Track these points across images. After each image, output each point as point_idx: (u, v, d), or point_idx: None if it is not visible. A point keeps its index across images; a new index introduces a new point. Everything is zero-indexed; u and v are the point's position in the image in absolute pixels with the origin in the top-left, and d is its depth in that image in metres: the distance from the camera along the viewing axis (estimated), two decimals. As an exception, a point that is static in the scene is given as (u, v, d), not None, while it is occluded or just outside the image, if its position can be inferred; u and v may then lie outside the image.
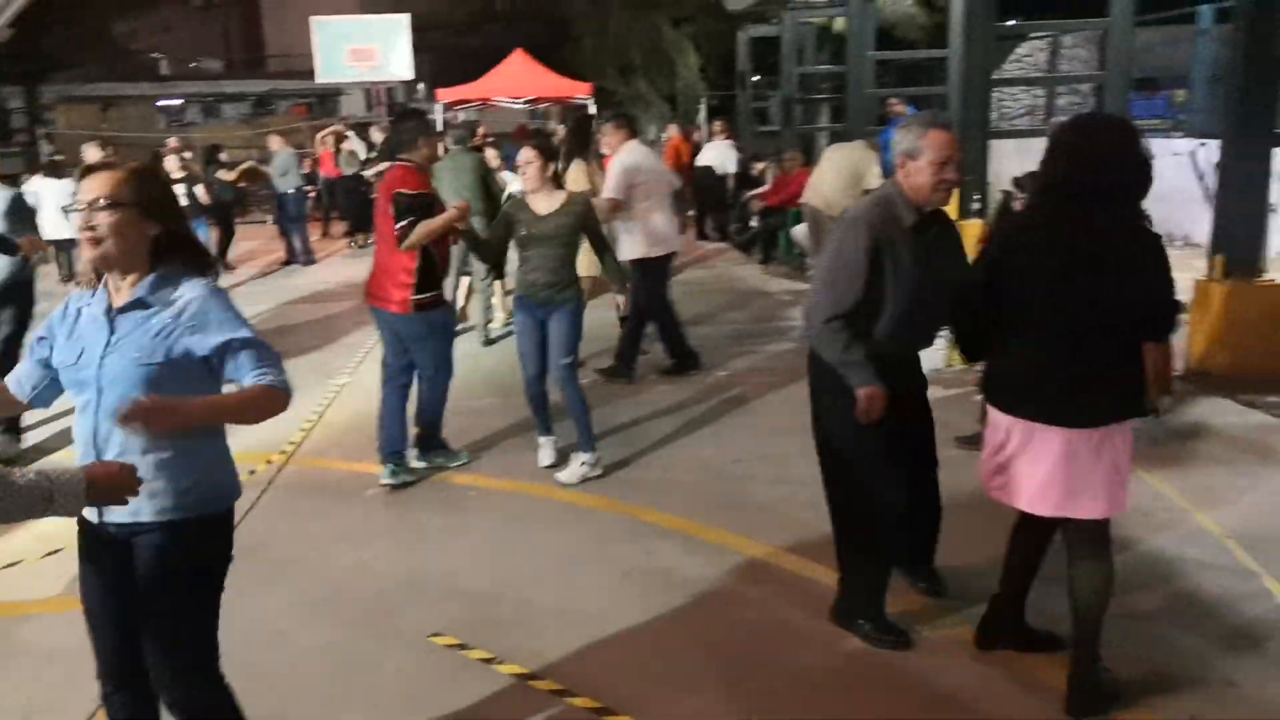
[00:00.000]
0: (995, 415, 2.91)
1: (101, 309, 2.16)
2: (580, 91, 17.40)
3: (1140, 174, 2.66)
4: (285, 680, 3.19)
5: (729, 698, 3.04)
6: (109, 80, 25.21)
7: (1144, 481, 4.57)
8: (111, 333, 2.14)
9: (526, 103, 18.23)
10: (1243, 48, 6.07)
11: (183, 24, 30.09)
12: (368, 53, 18.55)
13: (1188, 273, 7.73)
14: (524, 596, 3.73)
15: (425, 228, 4.53)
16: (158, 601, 2.19)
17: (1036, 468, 2.79)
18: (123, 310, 2.15)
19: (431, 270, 4.73)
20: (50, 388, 2.26)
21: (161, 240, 2.15)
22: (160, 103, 27.67)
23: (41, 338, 2.26)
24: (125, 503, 1.95)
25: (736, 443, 5.36)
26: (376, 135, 14.51)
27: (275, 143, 13.23)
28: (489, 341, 7.75)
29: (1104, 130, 2.81)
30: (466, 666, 3.25)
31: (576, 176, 6.83)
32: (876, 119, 12.05)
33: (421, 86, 25.68)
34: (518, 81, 16.80)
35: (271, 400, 2.18)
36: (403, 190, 4.58)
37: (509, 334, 7.70)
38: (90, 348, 2.14)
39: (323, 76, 19.10)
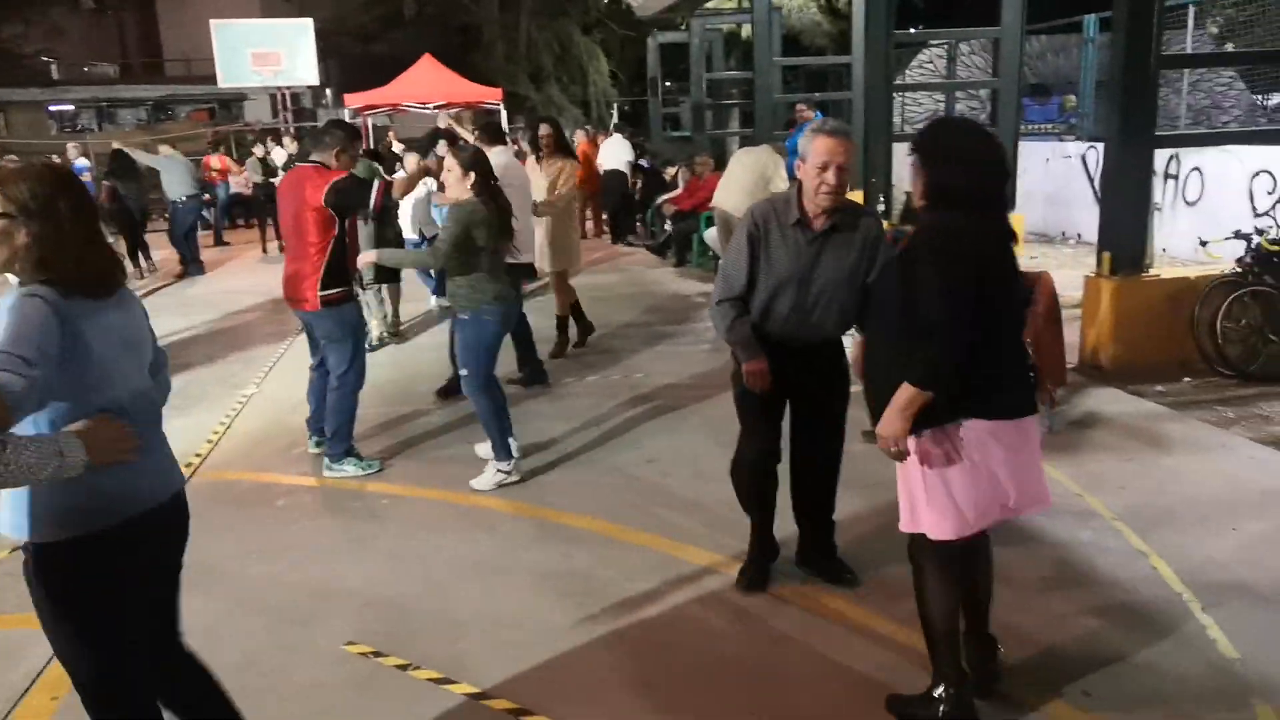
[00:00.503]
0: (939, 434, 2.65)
1: None
2: (490, 97, 17.33)
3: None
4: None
5: (646, 695, 3.08)
6: (-3, 85, 24.13)
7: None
8: None
9: (436, 108, 18.07)
10: (1122, 56, 6.38)
11: (75, 27, 28.95)
12: (272, 57, 18.15)
13: (1079, 269, 8.13)
14: (440, 603, 3.71)
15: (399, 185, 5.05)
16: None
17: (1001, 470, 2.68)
18: None
19: (341, 266, 4.78)
20: None
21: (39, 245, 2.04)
22: (52, 108, 26.54)
23: None
24: (126, 461, 2.01)
25: (653, 444, 5.41)
26: (289, 143, 14.30)
27: (165, 151, 12.83)
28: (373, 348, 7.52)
29: (988, 136, 2.85)
30: (380, 673, 3.22)
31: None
32: (784, 124, 12.30)
33: (329, 92, 25.25)
34: (427, 87, 16.65)
35: None
36: (336, 180, 4.64)
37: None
38: None
39: (225, 81, 18.61)
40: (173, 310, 9.81)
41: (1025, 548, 3.93)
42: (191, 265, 12.14)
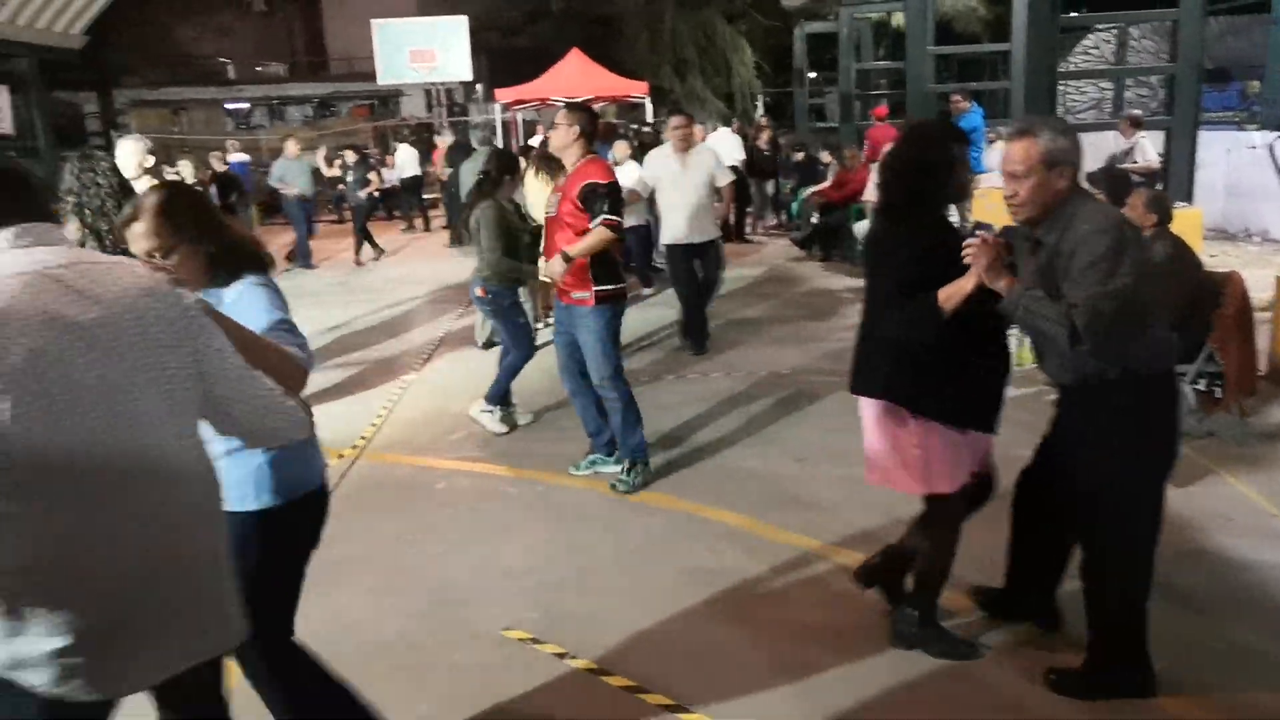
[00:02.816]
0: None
1: None
2: (636, 90, 17.45)
3: None
4: (358, 672, 3.24)
5: (803, 699, 3.04)
6: (177, 85, 25.88)
7: (1226, 483, 4.46)
8: None
9: (583, 102, 18.32)
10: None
11: (247, 29, 30.78)
12: (427, 54, 18.81)
13: (1268, 269, 7.55)
14: (593, 593, 3.76)
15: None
16: None
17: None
18: None
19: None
20: None
21: (216, 253, 2.27)
22: (228, 106, 28.31)
23: None
24: None
25: (799, 440, 5.34)
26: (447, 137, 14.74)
27: (291, 151, 13.04)
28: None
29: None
30: (538, 660, 3.29)
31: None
32: (936, 114, 11.90)
33: (479, 87, 25.96)
34: (574, 81, 16.89)
35: (295, 365, 2.15)
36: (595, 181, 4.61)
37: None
38: None
39: (384, 78, 19.41)
40: (337, 298, 10.31)
41: (1212, 571, 3.69)
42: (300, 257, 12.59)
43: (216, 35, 27.85)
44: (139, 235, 2.24)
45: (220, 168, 11.70)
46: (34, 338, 1.57)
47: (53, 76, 18.31)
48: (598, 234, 4.56)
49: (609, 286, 4.65)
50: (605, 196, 4.55)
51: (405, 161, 16.28)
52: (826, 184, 11.53)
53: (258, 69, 30.34)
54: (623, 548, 4.15)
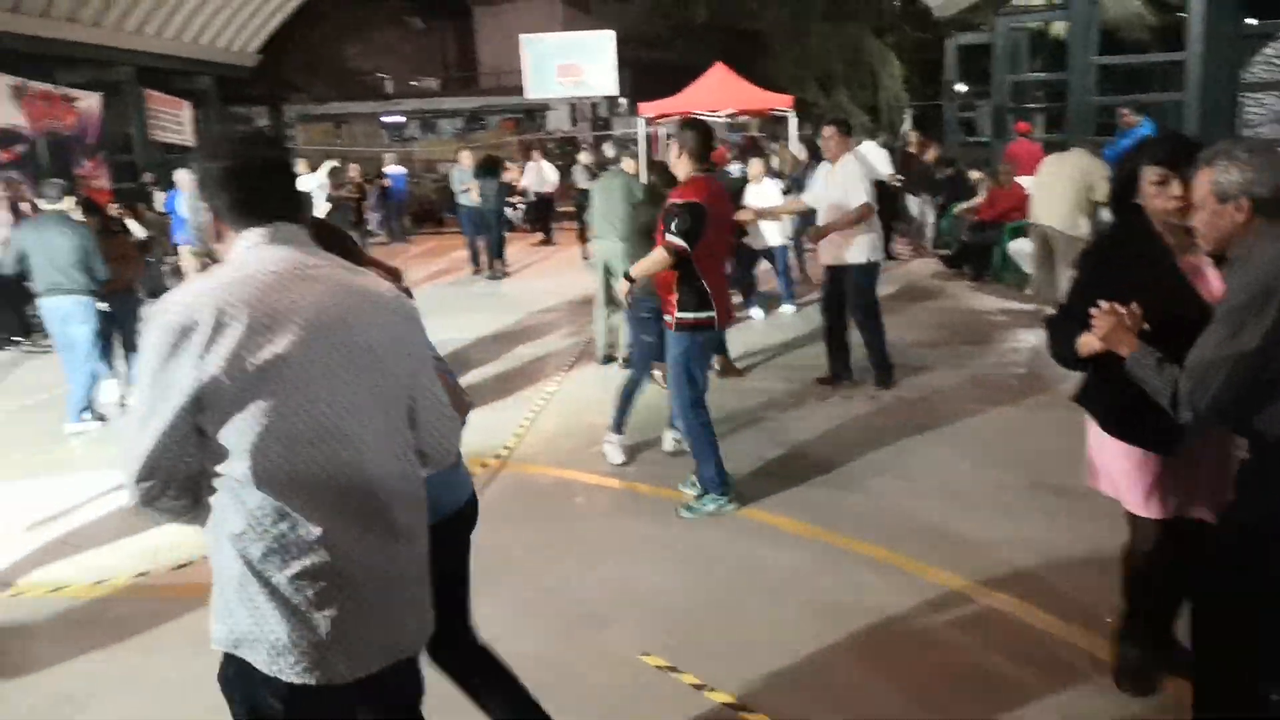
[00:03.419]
0: None
1: None
2: (780, 103, 17.28)
3: None
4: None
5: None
6: (340, 100, 27.24)
7: None
8: None
9: (727, 115, 18.29)
10: None
11: (404, 46, 32.13)
12: (574, 68, 19.15)
13: None
14: (731, 621, 3.69)
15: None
16: None
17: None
18: None
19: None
20: None
21: None
22: (384, 119, 29.63)
23: None
24: None
25: (948, 471, 5.13)
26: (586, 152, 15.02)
27: (466, 158, 13.64)
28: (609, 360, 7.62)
29: None
30: (677, 690, 3.24)
31: None
32: (1098, 128, 11.32)
33: (623, 101, 26.30)
34: (718, 94, 16.85)
35: (461, 398, 2.31)
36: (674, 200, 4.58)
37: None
38: None
39: (532, 92, 19.87)
40: (483, 308, 10.59)
41: None
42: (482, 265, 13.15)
43: (378, 52, 29.15)
44: None
45: (385, 183, 12.30)
46: (286, 333, 1.69)
47: (230, 93, 19.59)
48: (655, 254, 4.53)
49: (689, 315, 4.56)
50: (675, 217, 4.48)
51: (541, 175, 16.73)
52: (978, 200, 11.12)
53: (413, 83, 31.62)
54: (761, 577, 4.06)
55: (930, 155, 13.36)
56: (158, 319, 1.69)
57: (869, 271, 6.62)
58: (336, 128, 28.60)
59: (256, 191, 1.80)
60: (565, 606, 3.87)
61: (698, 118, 5.46)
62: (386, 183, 17.62)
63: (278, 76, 22.14)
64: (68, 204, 6.83)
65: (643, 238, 5.70)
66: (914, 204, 13.13)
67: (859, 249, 6.51)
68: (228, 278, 1.73)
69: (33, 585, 4.37)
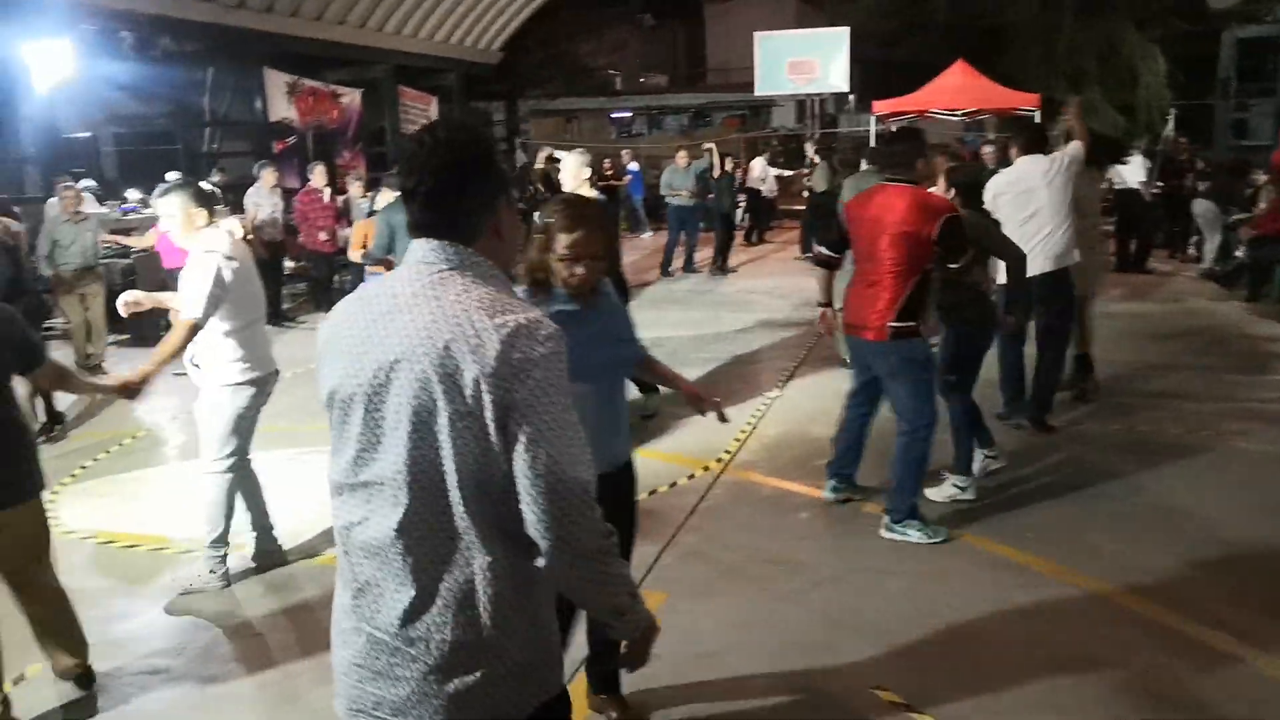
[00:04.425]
0: None
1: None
2: (1024, 102, 16.28)
3: None
4: (716, 708, 3.18)
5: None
6: (570, 95, 28.12)
7: None
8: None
9: (964, 115, 17.43)
10: None
11: (635, 42, 32.76)
12: (807, 65, 18.85)
13: None
14: (968, 659, 3.43)
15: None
16: None
17: None
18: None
19: (922, 299, 4.29)
20: None
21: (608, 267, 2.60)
22: (613, 115, 30.33)
23: None
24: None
25: (1216, 510, 4.58)
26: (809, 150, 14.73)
27: (681, 157, 13.44)
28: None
29: None
30: (912, 731, 3.04)
31: None
32: None
33: (851, 98, 25.63)
34: (957, 93, 16.09)
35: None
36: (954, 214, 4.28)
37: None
38: None
39: (761, 89, 19.73)
40: (702, 304, 10.58)
41: None
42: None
43: (609, 49, 29.87)
44: (573, 242, 2.52)
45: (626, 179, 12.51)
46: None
47: (472, 88, 20.63)
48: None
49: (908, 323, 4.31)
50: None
51: (762, 173, 16.58)
52: (1259, 211, 9.96)
53: (641, 80, 32.17)
54: (998, 612, 3.75)
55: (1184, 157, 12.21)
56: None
57: (1051, 283, 5.65)
58: (566, 122, 29.52)
59: None
60: (787, 627, 3.72)
61: (912, 127, 5.14)
62: (627, 178, 18.12)
63: (515, 72, 23.13)
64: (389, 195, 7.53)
65: None
66: (1202, 212, 11.68)
67: (1049, 256, 5.61)
68: None
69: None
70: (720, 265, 13.08)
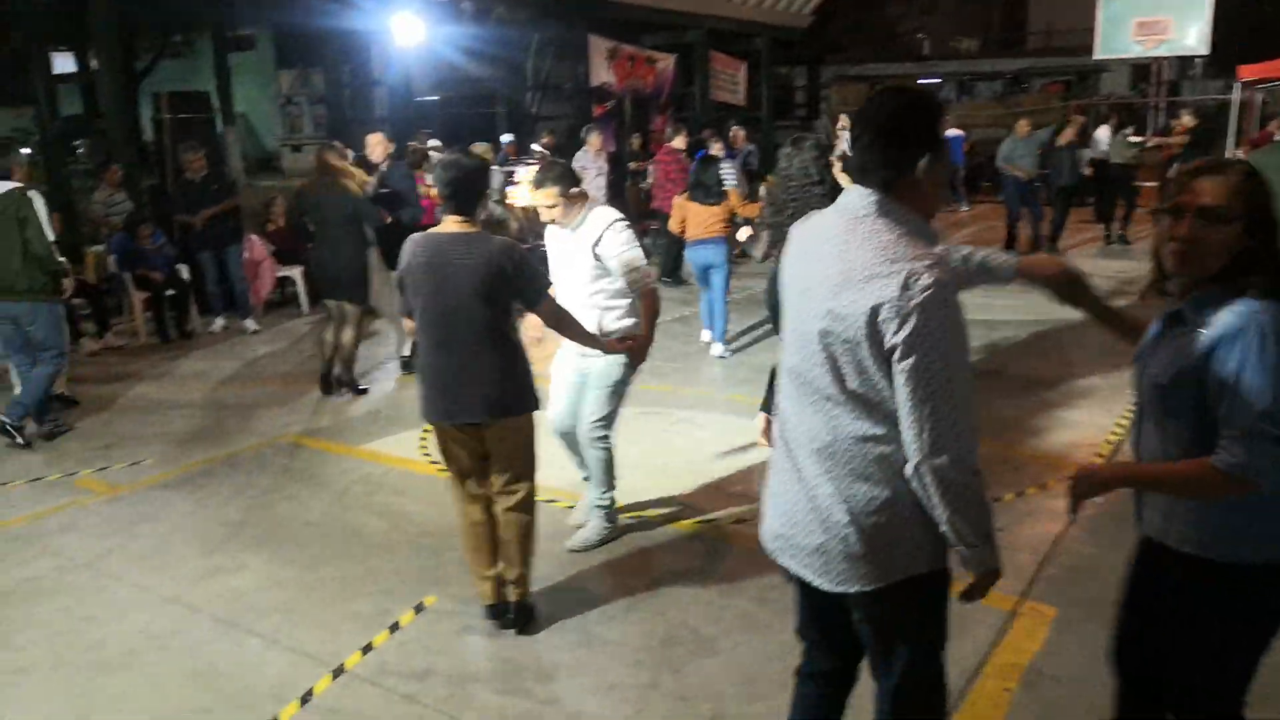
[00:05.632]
0: None
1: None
2: None
3: None
4: None
5: None
6: (876, 61, 27.11)
7: None
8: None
9: (1357, 79, 14.89)
10: None
11: (948, 5, 31.02)
12: (1159, 25, 16.87)
13: None
14: None
15: None
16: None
17: None
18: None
19: None
20: None
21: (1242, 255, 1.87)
22: (920, 81, 28.96)
23: None
24: None
25: None
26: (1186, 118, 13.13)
27: (1022, 126, 12.44)
28: None
29: None
30: None
31: None
32: None
33: (1198, 62, 22.85)
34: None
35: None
36: None
37: None
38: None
39: (1101, 53, 17.94)
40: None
41: None
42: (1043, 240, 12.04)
43: (920, 12, 28.53)
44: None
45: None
46: None
47: (776, 54, 20.30)
48: None
49: None
50: None
51: (1104, 143, 14.85)
52: None
53: (951, 45, 30.45)
54: None
55: None
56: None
57: None
58: (870, 89, 28.55)
59: None
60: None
61: None
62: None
63: (821, 37, 22.55)
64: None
65: None
66: None
67: None
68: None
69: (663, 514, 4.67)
70: (1047, 248, 11.99)
